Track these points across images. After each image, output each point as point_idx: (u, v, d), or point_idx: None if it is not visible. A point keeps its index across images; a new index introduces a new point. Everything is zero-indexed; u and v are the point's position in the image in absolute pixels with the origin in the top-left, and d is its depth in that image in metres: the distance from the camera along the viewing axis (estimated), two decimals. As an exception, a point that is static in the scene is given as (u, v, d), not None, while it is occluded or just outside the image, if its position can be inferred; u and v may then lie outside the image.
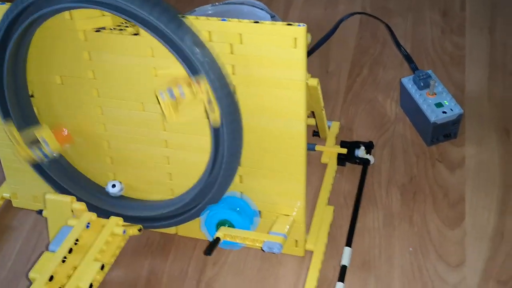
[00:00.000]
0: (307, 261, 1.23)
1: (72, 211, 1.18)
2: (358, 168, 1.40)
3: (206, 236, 1.21)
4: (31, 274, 1.06)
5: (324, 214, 1.28)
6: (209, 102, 0.99)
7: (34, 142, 1.18)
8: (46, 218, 1.24)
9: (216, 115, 1.01)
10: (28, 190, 1.35)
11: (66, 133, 1.23)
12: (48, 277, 1.04)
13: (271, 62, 1.00)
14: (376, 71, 1.67)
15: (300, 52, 0.98)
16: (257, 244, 1.12)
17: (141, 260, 1.27)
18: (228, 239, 1.14)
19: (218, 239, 1.13)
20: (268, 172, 1.14)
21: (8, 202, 1.40)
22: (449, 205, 1.32)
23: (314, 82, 1.18)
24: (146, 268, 1.26)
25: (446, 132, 1.42)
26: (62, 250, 1.09)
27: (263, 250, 1.13)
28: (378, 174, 1.39)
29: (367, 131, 1.50)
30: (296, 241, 1.22)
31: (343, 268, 1.18)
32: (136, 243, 1.30)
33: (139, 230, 1.20)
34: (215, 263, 1.26)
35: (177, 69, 1.03)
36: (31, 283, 1.06)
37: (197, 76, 0.99)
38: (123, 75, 1.12)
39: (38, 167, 1.24)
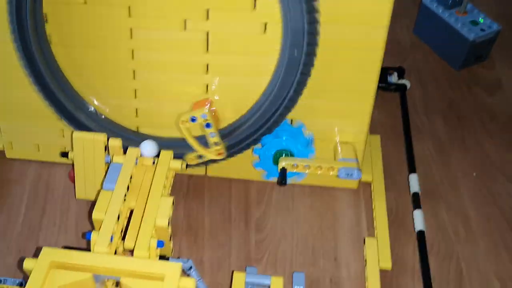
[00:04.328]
0: (361, 194, 1.13)
1: (105, 150, 1.03)
2: (388, 96, 1.30)
3: (260, 170, 1.08)
4: (96, 214, 0.90)
5: (372, 143, 1.17)
6: None
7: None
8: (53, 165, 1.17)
9: None
10: (28, 138, 1.18)
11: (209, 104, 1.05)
12: (116, 216, 0.89)
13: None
14: None
15: None
16: (332, 173, 1.01)
17: (175, 205, 1.12)
18: (299, 170, 1.02)
19: (284, 169, 1.01)
20: (333, 94, 1.02)
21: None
22: (499, 128, 1.23)
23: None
24: (182, 213, 1.12)
25: (480, 53, 1.34)
26: (121, 188, 0.93)
27: (338, 178, 1.02)
28: (412, 102, 1.29)
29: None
30: (352, 172, 1.11)
31: (415, 195, 1.08)
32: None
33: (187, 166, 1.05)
34: (258, 203, 1.13)
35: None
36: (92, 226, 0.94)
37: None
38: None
39: (58, 104, 1.07)
